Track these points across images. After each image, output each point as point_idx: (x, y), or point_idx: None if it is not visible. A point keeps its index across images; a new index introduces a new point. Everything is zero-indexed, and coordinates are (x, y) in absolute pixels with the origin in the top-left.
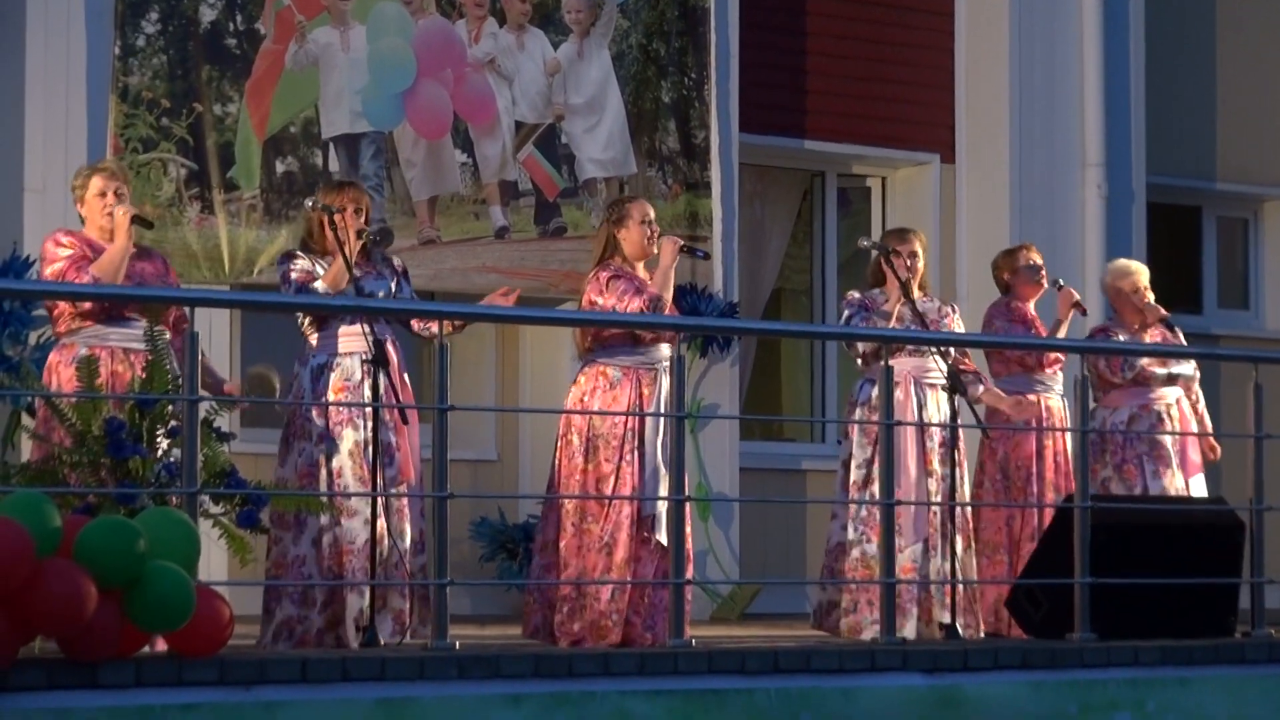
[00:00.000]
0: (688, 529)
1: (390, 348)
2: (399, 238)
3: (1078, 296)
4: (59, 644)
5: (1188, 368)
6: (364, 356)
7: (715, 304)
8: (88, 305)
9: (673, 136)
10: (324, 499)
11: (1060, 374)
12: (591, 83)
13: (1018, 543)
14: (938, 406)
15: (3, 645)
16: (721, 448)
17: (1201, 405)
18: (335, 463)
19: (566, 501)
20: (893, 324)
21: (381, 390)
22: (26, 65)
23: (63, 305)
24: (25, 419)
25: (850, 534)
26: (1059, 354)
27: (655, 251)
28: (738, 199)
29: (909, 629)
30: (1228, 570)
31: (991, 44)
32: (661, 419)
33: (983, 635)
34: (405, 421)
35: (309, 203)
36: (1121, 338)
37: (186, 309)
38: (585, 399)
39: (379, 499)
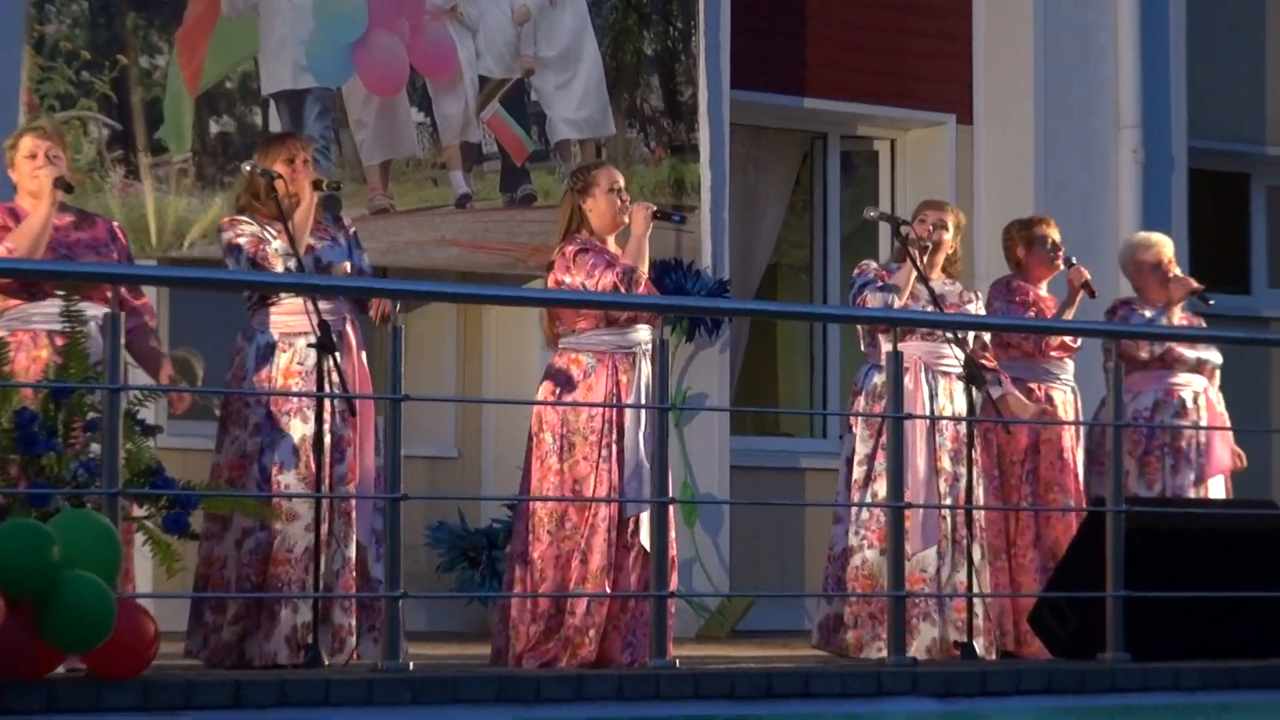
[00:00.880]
0: (671, 535)
1: (349, 328)
2: (348, 206)
3: (1087, 276)
4: None
5: (1215, 355)
6: (309, 340)
7: (703, 282)
8: (5, 281)
9: (656, 94)
10: (256, 501)
11: (1069, 362)
12: (565, 33)
13: (1016, 548)
14: (950, 397)
15: None
16: (710, 443)
17: (1220, 401)
18: (275, 457)
19: (539, 508)
20: (904, 301)
21: (333, 377)
22: None
23: None
24: None
25: (851, 539)
26: (1066, 340)
27: (626, 222)
28: (729, 164)
29: (926, 645)
30: (1278, 582)
31: None
32: (642, 411)
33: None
34: (353, 413)
35: (247, 167)
36: (1147, 314)
37: (109, 288)
38: (558, 391)
39: (323, 501)
